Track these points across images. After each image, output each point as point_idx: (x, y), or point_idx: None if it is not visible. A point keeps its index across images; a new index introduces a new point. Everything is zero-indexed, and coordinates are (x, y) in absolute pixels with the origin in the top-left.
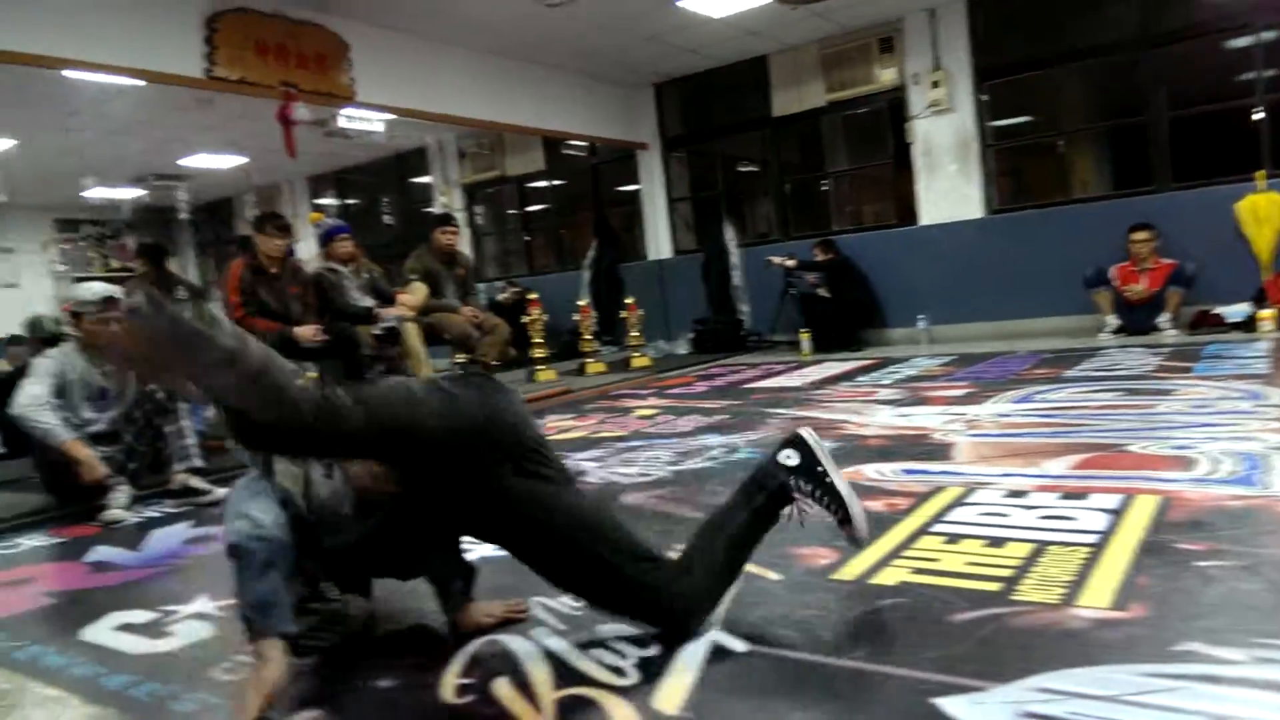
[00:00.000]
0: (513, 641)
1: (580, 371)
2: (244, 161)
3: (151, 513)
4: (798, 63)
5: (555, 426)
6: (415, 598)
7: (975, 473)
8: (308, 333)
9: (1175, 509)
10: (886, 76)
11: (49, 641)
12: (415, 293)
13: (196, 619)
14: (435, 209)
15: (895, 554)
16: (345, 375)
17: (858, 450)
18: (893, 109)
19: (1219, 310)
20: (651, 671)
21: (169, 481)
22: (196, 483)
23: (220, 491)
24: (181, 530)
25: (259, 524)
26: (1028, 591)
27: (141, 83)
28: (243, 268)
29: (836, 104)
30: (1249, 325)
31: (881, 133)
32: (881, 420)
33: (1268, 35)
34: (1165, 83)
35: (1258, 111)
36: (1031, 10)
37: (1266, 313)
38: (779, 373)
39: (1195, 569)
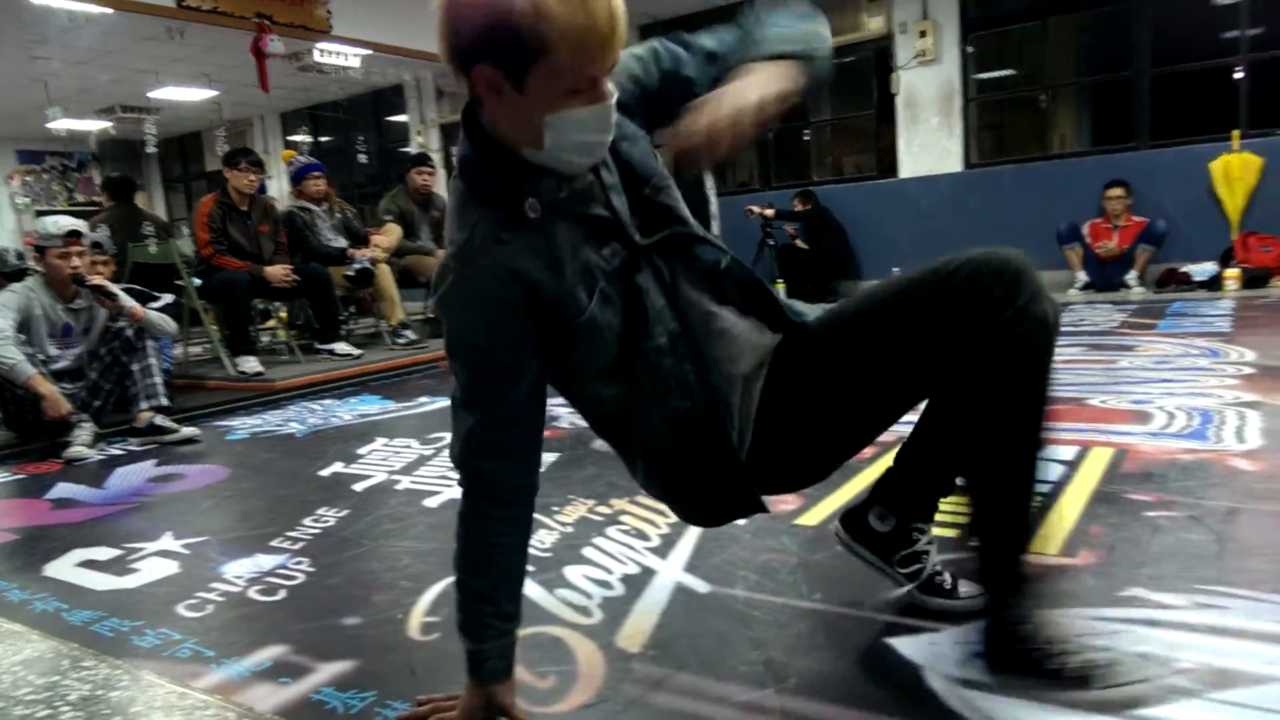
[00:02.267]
0: None
1: None
2: (214, 95)
3: (115, 450)
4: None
5: None
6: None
7: None
8: (278, 272)
9: (1129, 461)
10: (874, 24)
11: (10, 577)
12: (389, 234)
13: (160, 556)
14: (411, 149)
15: None
16: (316, 317)
17: None
18: (879, 59)
19: (1187, 269)
20: (616, 611)
21: (135, 420)
22: (162, 421)
23: (186, 430)
24: (146, 468)
25: None
26: None
27: (110, 11)
28: (213, 204)
29: None
30: (1215, 284)
31: (866, 83)
32: None
33: None
34: (1150, 39)
35: (1238, 71)
36: None
37: (1232, 272)
38: None
39: (1144, 519)
